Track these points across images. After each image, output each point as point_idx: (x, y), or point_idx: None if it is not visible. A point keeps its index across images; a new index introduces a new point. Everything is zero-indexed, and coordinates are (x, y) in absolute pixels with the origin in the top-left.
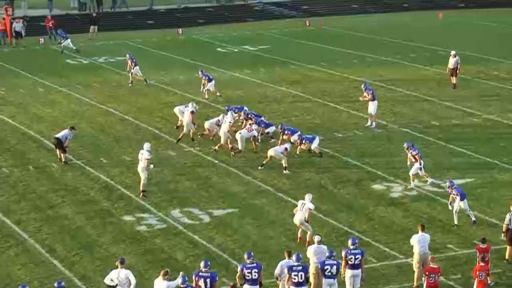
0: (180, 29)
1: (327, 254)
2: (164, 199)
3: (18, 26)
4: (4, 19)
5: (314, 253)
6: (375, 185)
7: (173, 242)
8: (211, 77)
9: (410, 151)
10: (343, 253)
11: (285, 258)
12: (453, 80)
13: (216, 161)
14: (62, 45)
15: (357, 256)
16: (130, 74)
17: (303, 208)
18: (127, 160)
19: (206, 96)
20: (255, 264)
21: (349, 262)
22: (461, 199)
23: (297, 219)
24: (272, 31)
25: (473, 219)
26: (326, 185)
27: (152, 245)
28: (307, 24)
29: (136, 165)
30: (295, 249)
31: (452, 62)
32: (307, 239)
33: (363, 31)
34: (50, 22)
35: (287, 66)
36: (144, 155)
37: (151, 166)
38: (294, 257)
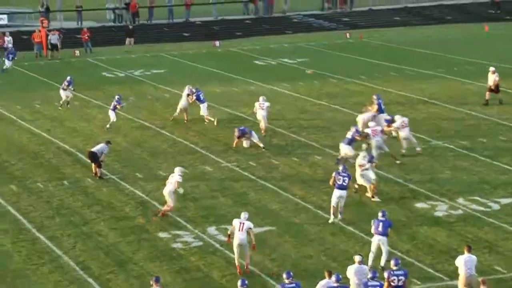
0: (217, 42)
1: (370, 275)
2: (200, 215)
3: (54, 38)
4: (40, 31)
5: (355, 273)
6: (418, 203)
7: (209, 260)
8: (202, 97)
9: None
10: (385, 274)
11: (324, 278)
12: (488, 96)
13: (253, 177)
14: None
15: (400, 277)
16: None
17: None
18: (162, 175)
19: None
20: (294, 284)
21: (392, 283)
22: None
23: None
24: (311, 44)
25: None
26: (367, 202)
27: (188, 263)
28: (347, 36)
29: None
30: (335, 269)
31: (491, 78)
32: None
33: (405, 44)
34: (86, 34)
35: (326, 80)
36: (175, 178)
37: (181, 190)
38: (334, 278)
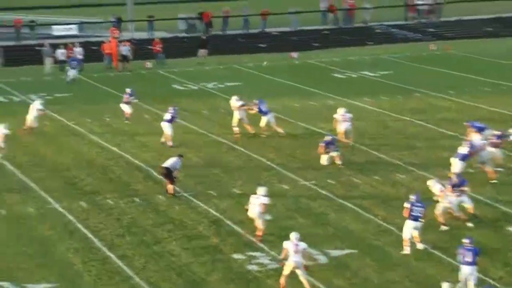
0: (295, 53)
1: None
2: (277, 236)
3: (125, 49)
4: (110, 42)
5: None
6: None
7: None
8: (265, 109)
9: None
10: None
11: None
12: None
13: (333, 196)
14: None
15: None
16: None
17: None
18: (237, 193)
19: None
20: None
21: None
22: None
23: None
24: (394, 56)
25: None
26: (456, 225)
27: (264, 286)
28: (432, 48)
29: (246, 198)
30: None
31: None
32: None
33: (497, 57)
34: (158, 45)
35: (411, 94)
36: (261, 199)
37: (268, 216)
38: None
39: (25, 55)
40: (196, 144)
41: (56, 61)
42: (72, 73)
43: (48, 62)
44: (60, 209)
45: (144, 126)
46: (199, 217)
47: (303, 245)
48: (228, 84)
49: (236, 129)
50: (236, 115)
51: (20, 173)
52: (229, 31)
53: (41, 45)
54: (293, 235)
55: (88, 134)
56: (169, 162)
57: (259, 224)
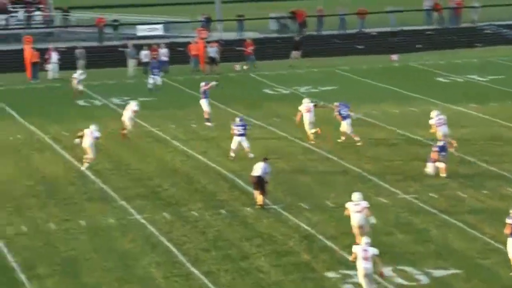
0: (395, 55)
1: None
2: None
3: (212, 51)
4: (197, 42)
5: None
6: None
7: None
8: (346, 113)
9: None
10: None
11: None
12: None
13: (435, 211)
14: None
15: None
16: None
17: None
18: (330, 206)
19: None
20: None
21: None
22: None
23: None
24: (505, 59)
25: None
26: None
27: None
28: None
29: (340, 211)
30: None
31: None
32: None
33: None
34: (250, 47)
35: None
36: (361, 204)
37: (372, 219)
38: None
39: (108, 57)
40: (286, 152)
41: (140, 63)
42: (153, 80)
43: (131, 64)
44: (142, 221)
45: (232, 133)
46: (290, 232)
47: (373, 250)
48: (322, 88)
49: (313, 131)
50: (307, 118)
51: (101, 181)
52: (324, 31)
53: (125, 46)
54: (364, 240)
55: (172, 141)
56: (258, 170)
57: (365, 232)
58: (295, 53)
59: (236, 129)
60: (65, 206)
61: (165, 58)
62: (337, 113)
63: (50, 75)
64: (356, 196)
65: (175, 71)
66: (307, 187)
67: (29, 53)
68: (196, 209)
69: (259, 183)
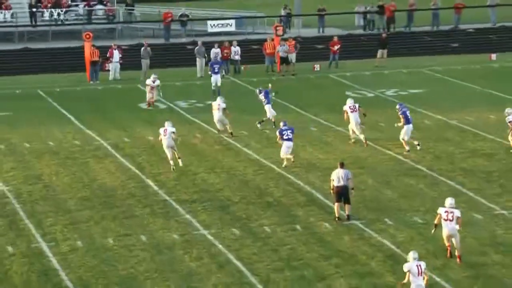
0: (494, 55)
1: None
2: (466, 276)
3: (282, 49)
4: (273, 40)
5: None
6: None
7: None
8: (410, 116)
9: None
10: None
11: None
12: None
13: None
14: None
15: None
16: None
17: None
18: (418, 223)
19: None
20: None
21: None
22: None
23: None
24: None
25: None
26: None
27: None
28: None
29: (428, 228)
30: None
31: None
32: None
33: None
34: (336, 46)
35: None
36: (455, 212)
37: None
38: None
39: (175, 56)
40: (370, 162)
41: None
42: (214, 79)
43: (200, 63)
44: (209, 237)
45: (310, 141)
46: (372, 250)
47: (423, 264)
48: (412, 91)
49: (359, 135)
50: (352, 119)
51: (164, 193)
52: (415, 28)
53: (194, 44)
54: (412, 255)
55: (243, 149)
56: (340, 178)
57: (456, 242)
58: (381, 52)
59: (284, 134)
60: (124, 219)
61: (237, 57)
62: (401, 114)
63: (111, 75)
64: (449, 202)
65: (248, 71)
66: (392, 201)
67: (89, 51)
68: (269, 224)
69: (342, 192)
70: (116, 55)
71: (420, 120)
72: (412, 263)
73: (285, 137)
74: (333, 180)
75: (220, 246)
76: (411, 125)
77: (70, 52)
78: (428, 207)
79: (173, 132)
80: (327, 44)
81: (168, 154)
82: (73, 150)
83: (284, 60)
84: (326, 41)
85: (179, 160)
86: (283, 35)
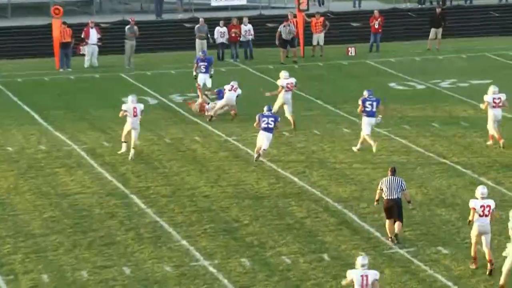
0: None
1: None
2: None
3: (285, 31)
4: (295, 16)
5: None
6: None
7: None
8: None
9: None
10: None
11: None
12: None
13: None
14: None
15: None
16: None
17: None
18: (482, 252)
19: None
20: None
21: None
22: None
23: None
24: None
25: None
26: None
27: None
28: None
29: (496, 257)
30: None
31: None
32: None
33: None
34: (377, 21)
35: None
36: (490, 203)
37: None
38: None
39: (168, 36)
40: (419, 173)
41: (214, 44)
42: (202, 78)
43: (201, 46)
44: (211, 269)
45: (340, 145)
46: (422, 287)
47: (373, 275)
48: (473, 82)
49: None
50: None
51: (154, 212)
52: (477, 1)
53: (193, 21)
54: (360, 261)
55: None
56: (392, 189)
57: (487, 242)
58: (434, 31)
59: (264, 121)
60: (103, 247)
61: (249, 37)
62: (361, 103)
63: (87, 61)
64: (480, 190)
65: (262, 56)
66: (448, 223)
67: (58, 31)
68: (288, 253)
69: (394, 208)
70: (94, 35)
71: (481, 118)
72: (357, 272)
73: (263, 124)
74: (382, 190)
75: (225, 281)
76: (372, 119)
77: (34, 32)
78: (494, 231)
79: (142, 110)
80: (365, 21)
81: (133, 136)
82: (38, 158)
83: (288, 43)
84: (364, 18)
85: (132, 150)
86: (307, 10)
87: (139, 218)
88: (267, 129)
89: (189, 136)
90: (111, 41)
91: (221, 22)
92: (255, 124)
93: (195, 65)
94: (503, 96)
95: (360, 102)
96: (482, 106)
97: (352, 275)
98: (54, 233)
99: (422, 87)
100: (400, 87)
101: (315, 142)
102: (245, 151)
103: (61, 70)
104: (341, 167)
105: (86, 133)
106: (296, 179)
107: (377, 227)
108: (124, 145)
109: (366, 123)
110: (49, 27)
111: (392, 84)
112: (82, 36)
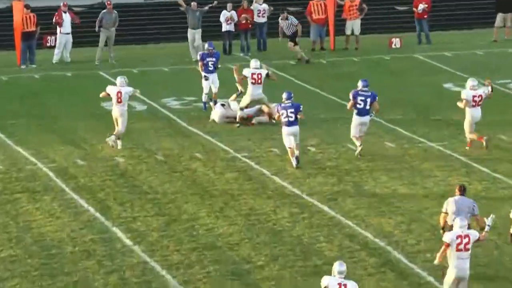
0: None
1: None
2: None
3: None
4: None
5: None
6: None
7: None
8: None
9: None
10: None
11: None
12: None
13: None
14: None
15: None
16: None
17: None
18: None
19: None
20: None
21: None
22: None
23: None
24: None
25: None
26: None
27: None
28: None
29: None
30: None
31: None
32: None
33: None
34: (422, 5)
35: None
36: None
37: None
38: None
39: (157, 22)
40: (486, 199)
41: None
42: (207, 83)
43: (192, 37)
44: None
45: (382, 163)
46: None
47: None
48: None
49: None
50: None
51: (143, 250)
52: None
53: (187, 3)
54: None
55: (273, 178)
56: (461, 211)
57: None
58: (501, 17)
59: (283, 114)
60: None
61: (262, 20)
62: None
63: (57, 55)
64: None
65: (279, 47)
66: None
67: (19, 17)
68: None
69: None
70: (67, 22)
71: None
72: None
73: (284, 119)
74: (447, 214)
75: None
76: (364, 118)
77: None
78: None
79: (130, 95)
80: (410, 4)
81: (120, 124)
82: None
83: (291, 38)
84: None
85: (119, 142)
86: None
87: (123, 258)
88: (289, 124)
89: (188, 151)
90: (87, 30)
91: (229, 5)
92: (276, 117)
93: (201, 62)
94: (484, 93)
95: (351, 96)
96: (460, 104)
97: (327, 281)
98: (15, 277)
99: (487, 89)
100: (458, 89)
101: (350, 160)
102: (259, 172)
103: (23, 67)
104: (383, 193)
105: (55, 148)
106: (325, 208)
107: (429, 269)
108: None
109: (356, 123)
110: (7, 11)
111: (447, 85)
112: (53, 21)
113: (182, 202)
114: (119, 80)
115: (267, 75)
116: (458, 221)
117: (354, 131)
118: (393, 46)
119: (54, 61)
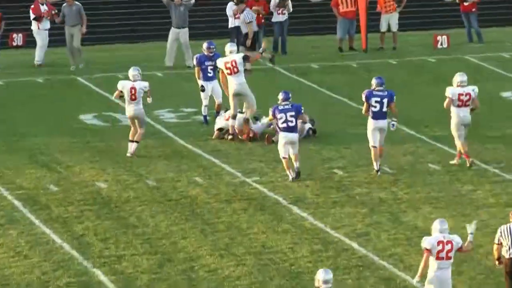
0: None
1: None
2: None
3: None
4: None
5: None
6: None
7: None
8: None
9: None
10: None
11: None
12: None
13: None
14: None
15: None
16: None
17: None
18: None
19: None
20: None
21: None
22: None
23: None
24: None
25: None
26: None
27: None
28: None
29: None
30: None
31: None
32: None
33: None
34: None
35: None
36: None
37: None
38: None
39: (151, 17)
40: None
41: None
42: (206, 94)
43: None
44: None
45: (423, 189)
46: None
47: None
48: None
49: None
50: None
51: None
52: None
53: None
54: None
55: (291, 208)
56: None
57: None
58: None
59: (281, 119)
60: None
61: (281, 17)
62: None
63: (40, 56)
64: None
65: (300, 47)
66: None
67: None
68: None
69: None
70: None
71: None
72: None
73: (281, 124)
74: (500, 244)
75: None
76: (382, 122)
77: None
78: None
79: (145, 91)
80: None
81: (137, 127)
82: None
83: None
84: None
85: (134, 144)
86: None
87: None
88: (289, 129)
89: (185, 175)
90: (62, 26)
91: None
92: (269, 119)
93: (198, 68)
94: (473, 92)
95: (364, 98)
96: (445, 104)
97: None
98: None
99: None
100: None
101: (384, 186)
102: (273, 200)
103: None
104: (425, 226)
105: (22, 171)
106: (354, 245)
107: None
108: (130, 145)
109: (371, 129)
110: None
111: (506, 94)
112: (32, 17)
113: (178, 237)
114: (132, 72)
115: (245, 58)
116: (437, 224)
117: (372, 139)
118: (438, 45)
119: (36, 62)
